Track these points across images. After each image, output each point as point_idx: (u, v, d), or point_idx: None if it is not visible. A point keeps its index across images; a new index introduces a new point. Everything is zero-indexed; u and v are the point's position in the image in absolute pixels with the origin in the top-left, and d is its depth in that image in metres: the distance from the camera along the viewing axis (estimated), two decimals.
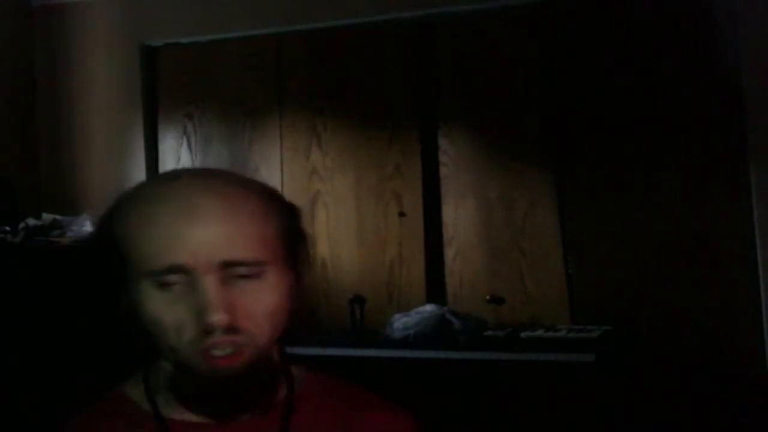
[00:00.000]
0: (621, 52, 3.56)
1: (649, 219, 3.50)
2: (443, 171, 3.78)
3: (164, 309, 0.93)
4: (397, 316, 3.47)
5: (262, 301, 0.94)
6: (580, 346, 3.16)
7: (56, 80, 4.36)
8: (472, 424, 3.14)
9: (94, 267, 1.01)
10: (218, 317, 0.90)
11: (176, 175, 1.03)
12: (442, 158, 3.79)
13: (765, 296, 3.31)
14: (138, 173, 4.21)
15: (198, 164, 4.15)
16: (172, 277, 0.92)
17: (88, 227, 3.56)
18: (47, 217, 3.64)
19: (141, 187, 1.00)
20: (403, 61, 3.88)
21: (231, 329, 0.91)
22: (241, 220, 0.94)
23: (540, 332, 3.32)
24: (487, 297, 3.64)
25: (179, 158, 4.21)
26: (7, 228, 3.42)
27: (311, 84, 4.00)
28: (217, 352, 0.92)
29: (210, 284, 0.91)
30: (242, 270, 0.93)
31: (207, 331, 0.91)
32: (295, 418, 1.02)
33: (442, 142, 3.79)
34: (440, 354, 3.28)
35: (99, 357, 3.09)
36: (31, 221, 3.54)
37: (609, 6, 3.62)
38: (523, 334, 3.30)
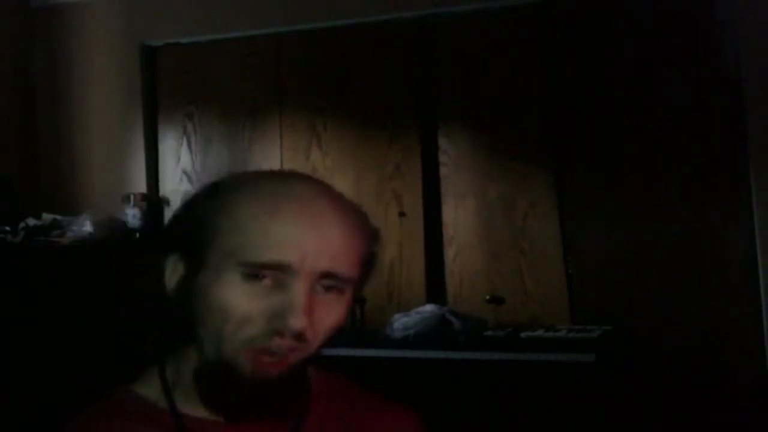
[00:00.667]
0: (621, 53, 3.56)
1: (649, 219, 3.50)
2: (443, 171, 3.78)
3: (243, 300, 0.92)
4: (397, 316, 3.47)
5: (333, 317, 0.95)
6: (580, 346, 3.16)
7: (56, 80, 4.35)
8: (472, 424, 3.14)
9: (165, 243, 1.01)
10: (299, 322, 0.91)
11: (288, 175, 1.03)
12: (442, 158, 3.79)
13: (765, 296, 3.31)
14: (138, 173, 4.22)
15: (198, 164, 4.16)
16: (268, 273, 0.92)
17: (88, 227, 3.56)
18: (47, 217, 3.65)
19: (246, 179, 1.00)
20: (403, 61, 3.88)
21: (299, 336, 0.92)
22: (349, 236, 0.96)
23: (540, 332, 3.32)
24: (487, 297, 3.65)
25: (179, 158, 4.21)
26: (7, 228, 3.42)
27: (311, 84, 4.00)
28: (266, 357, 0.92)
29: (303, 289, 0.92)
30: (333, 284, 0.94)
31: (279, 332, 0.91)
32: (308, 418, 1.02)
33: (442, 142, 3.79)
34: (440, 354, 3.28)
35: (99, 357, 3.09)
36: (31, 221, 3.54)
37: (609, 6, 3.62)
38: (523, 334, 3.30)
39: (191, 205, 1.00)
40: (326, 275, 0.93)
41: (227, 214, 0.95)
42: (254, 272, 0.92)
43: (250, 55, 4.09)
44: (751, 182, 3.35)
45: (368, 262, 1.00)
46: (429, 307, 3.47)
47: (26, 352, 3.10)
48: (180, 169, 4.19)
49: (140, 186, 4.17)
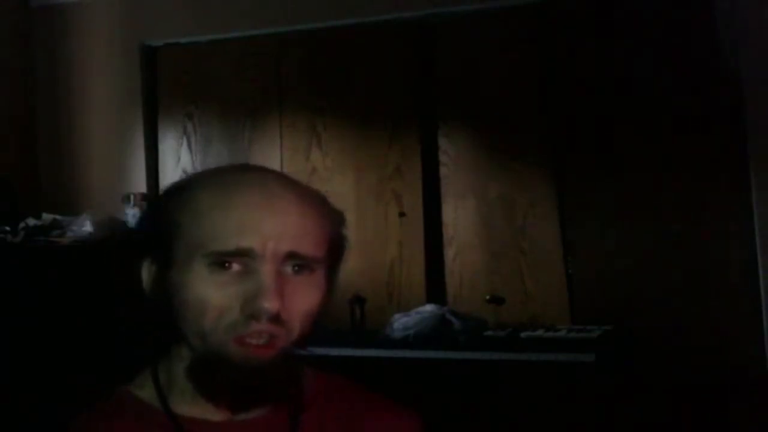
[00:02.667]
0: (621, 53, 3.56)
1: (649, 219, 3.50)
2: (443, 171, 3.78)
3: (214, 291, 0.93)
4: (397, 316, 3.47)
5: (307, 298, 0.97)
6: (580, 346, 3.16)
7: (56, 80, 4.35)
8: (472, 424, 3.14)
9: (136, 248, 1.02)
10: (271, 304, 0.92)
11: (243, 167, 1.05)
12: (442, 158, 3.79)
13: (765, 296, 3.31)
14: (138, 173, 4.22)
15: (198, 164, 4.16)
16: (234, 261, 0.93)
17: (88, 227, 3.56)
18: (47, 217, 3.64)
19: (204, 175, 1.02)
20: (403, 61, 3.88)
21: (276, 318, 0.93)
22: (310, 216, 0.98)
23: (540, 332, 3.32)
24: (487, 297, 3.65)
25: (179, 158, 4.21)
26: (7, 228, 3.42)
27: (311, 84, 4.00)
28: (253, 340, 0.93)
29: (270, 271, 0.93)
30: (300, 264, 0.96)
31: (254, 316, 0.92)
32: (305, 416, 1.02)
33: (442, 142, 3.79)
34: (440, 354, 3.28)
35: (99, 357, 3.09)
36: (31, 221, 3.54)
37: (609, 7, 3.62)
38: (523, 334, 3.30)
39: (156, 206, 1.02)
40: (291, 255, 0.95)
41: (188, 208, 0.97)
42: (220, 262, 0.93)
43: (250, 55, 4.09)
44: (751, 182, 3.35)
45: (337, 244, 1.02)
46: (429, 307, 3.47)
47: (26, 352, 3.10)
48: (180, 169, 4.19)
49: (140, 186, 4.17)
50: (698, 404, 3.28)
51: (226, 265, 0.93)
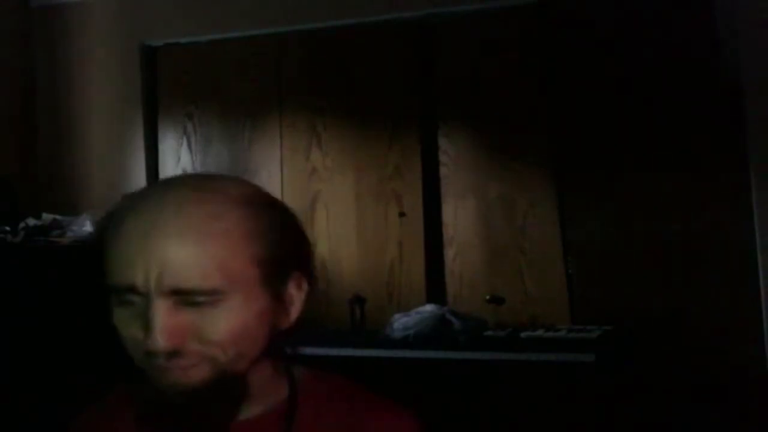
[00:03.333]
0: (621, 53, 3.56)
1: (649, 219, 3.50)
2: (443, 171, 3.78)
3: (123, 325, 0.92)
4: (397, 316, 3.47)
5: (218, 327, 0.90)
6: (580, 346, 3.15)
7: (56, 80, 4.35)
8: (472, 424, 3.14)
9: (87, 276, 1.01)
10: (158, 343, 0.88)
11: (166, 183, 0.98)
12: (442, 158, 3.79)
13: (765, 297, 3.31)
14: (138, 173, 4.22)
15: (198, 164, 4.16)
16: (130, 296, 0.91)
17: (88, 227, 3.56)
18: (47, 217, 3.64)
19: (132, 195, 0.97)
20: (403, 61, 3.88)
21: (174, 354, 0.89)
22: (204, 245, 0.89)
23: (540, 332, 3.32)
24: (487, 297, 3.65)
25: (179, 158, 4.21)
26: (7, 228, 3.41)
27: (311, 84, 4.00)
28: (172, 370, 0.90)
29: (159, 308, 0.89)
30: (196, 298, 0.89)
31: (150, 354, 0.90)
32: (298, 418, 1.02)
33: (442, 142, 3.79)
34: (440, 354, 3.28)
35: (99, 357, 3.09)
36: (31, 221, 3.53)
37: (609, 7, 3.62)
38: (523, 334, 3.30)
39: (95, 230, 0.99)
40: (176, 292, 0.89)
41: (105, 239, 0.94)
42: (120, 297, 0.92)
43: (250, 55, 4.10)
44: (751, 182, 3.35)
45: (276, 255, 0.94)
46: (429, 307, 3.47)
47: (26, 352, 3.10)
48: (180, 169, 4.19)
49: (140, 186, 4.16)
50: (698, 404, 3.28)
51: (126, 301, 0.91)
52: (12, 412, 2.91)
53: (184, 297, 0.89)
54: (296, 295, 0.99)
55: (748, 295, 3.34)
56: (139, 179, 4.20)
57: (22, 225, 3.47)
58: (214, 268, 0.89)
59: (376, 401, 1.09)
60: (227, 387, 0.94)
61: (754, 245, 3.33)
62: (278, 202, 0.99)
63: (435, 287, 3.75)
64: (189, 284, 0.88)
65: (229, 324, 0.91)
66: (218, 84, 4.16)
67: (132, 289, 0.89)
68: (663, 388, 3.31)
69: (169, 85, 4.25)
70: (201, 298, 0.89)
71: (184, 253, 0.88)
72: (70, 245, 3.49)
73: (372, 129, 3.88)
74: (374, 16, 3.89)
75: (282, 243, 0.95)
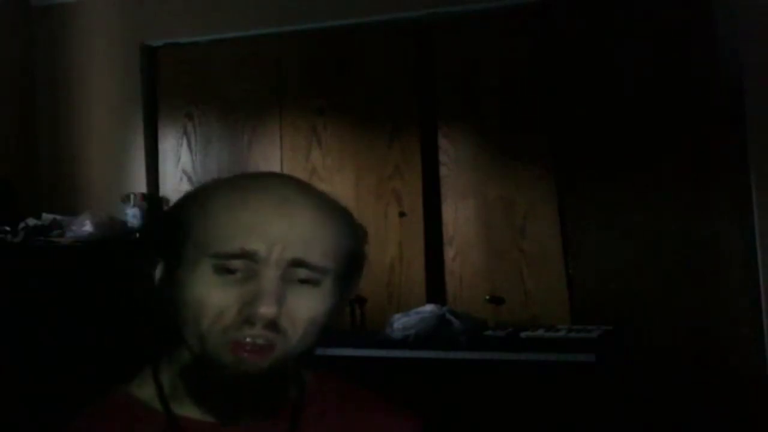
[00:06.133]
0: (621, 53, 3.56)
1: (649, 219, 3.50)
2: (443, 171, 3.78)
3: (215, 292, 0.93)
4: (397, 316, 3.47)
5: (310, 308, 0.94)
6: (580, 346, 3.16)
7: (56, 80, 4.36)
8: (472, 424, 3.14)
9: (147, 248, 1.02)
10: (267, 309, 0.90)
11: (265, 173, 1.04)
12: (442, 158, 3.79)
13: (765, 297, 3.31)
14: (138, 173, 4.22)
15: (198, 164, 4.16)
16: (238, 263, 0.92)
17: (88, 227, 3.56)
18: (47, 217, 3.64)
19: (224, 179, 1.01)
20: (403, 61, 3.88)
21: (272, 325, 0.92)
22: (322, 225, 0.95)
23: (540, 332, 3.32)
24: (487, 297, 3.65)
25: (179, 158, 4.21)
26: (7, 228, 3.41)
27: (311, 84, 4.00)
28: (248, 345, 0.92)
29: (272, 276, 0.92)
30: (305, 273, 0.94)
31: (249, 320, 0.91)
32: (305, 416, 1.02)
33: (442, 142, 3.79)
34: (440, 354, 3.28)
35: (99, 357, 3.09)
36: (31, 221, 3.54)
37: (609, 7, 3.62)
38: (523, 334, 3.30)
39: (174, 206, 1.01)
40: (296, 263, 0.93)
41: (201, 209, 0.96)
42: (225, 263, 0.92)
43: (251, 55, 4.09)
44: (751, 182, 3.35)
45: (353, 259, 1.00)
46: (429, 307, 3.47)
47: (26, 352, 3.10)
48: (180, 169, 4.19)
49: (140, 186, 4.17)
50: (698, 404, 3.28)
51: (231, 268, 0.92)
52: (12, 412, 2.91)
53: (296, 270, 0.93)
54: (345, 303, 1.03)
55: (748, 295, 3.34)
56: (139, 179, 4.20)
57: (22, 225, 3.47)
58: (331, 249, 0.96)
59: (376, 401, 1.09)
60: (282, 377, 0.97)
61: (754, 246, 3.33)
62: (349, 210, 1.03)
63: (435, 287, 3.75)
64: (310, 258, 0.93)
65: (320, 307, 0.95)
66: (218, 84, 4.15)
67: (248, 255, 0.92)
68: (663, 389, 3.31)
69: (169, 85, 4.25)
70: (313, 275, 0.94)
71: (308, 228, 0.94)
72: (70, 245, 3.49)
73: (372, 129, 3.88)
74: (374, 16, 3.89)
75: (357, 251, 1.01)
